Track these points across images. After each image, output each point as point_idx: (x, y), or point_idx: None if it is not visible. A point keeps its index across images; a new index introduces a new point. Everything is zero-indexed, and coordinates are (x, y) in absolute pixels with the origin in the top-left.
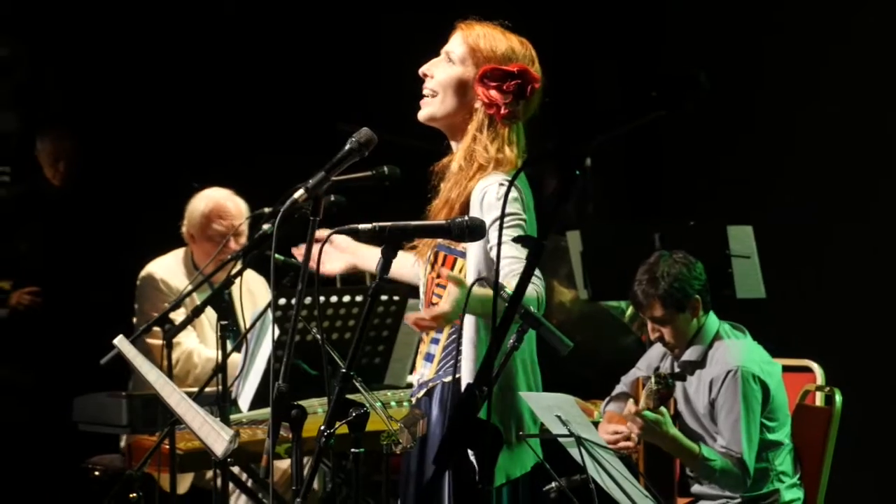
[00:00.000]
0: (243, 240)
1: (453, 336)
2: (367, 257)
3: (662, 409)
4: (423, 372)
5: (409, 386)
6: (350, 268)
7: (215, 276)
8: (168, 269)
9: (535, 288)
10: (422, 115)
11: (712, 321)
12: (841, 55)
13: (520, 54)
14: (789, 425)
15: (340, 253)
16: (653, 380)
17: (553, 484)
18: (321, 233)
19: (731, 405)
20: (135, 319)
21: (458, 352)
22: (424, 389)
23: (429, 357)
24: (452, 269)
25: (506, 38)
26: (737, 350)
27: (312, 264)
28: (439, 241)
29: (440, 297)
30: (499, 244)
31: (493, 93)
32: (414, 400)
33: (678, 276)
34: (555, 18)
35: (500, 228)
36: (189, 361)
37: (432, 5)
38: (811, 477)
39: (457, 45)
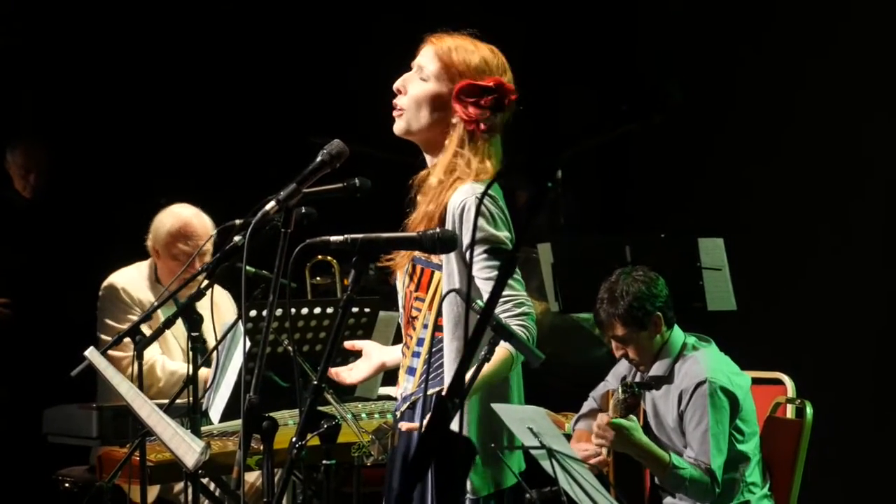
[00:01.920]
0: (207, 258)
1: (437, 348)
2: (392, 352)
3: (632, 416)
4: (406, 386)
5: (381, 398)
6: (379, 369)
7: (182, 291)
8: (130, 280)
9: (525, 331)
10: (397, 129)
11: (677, 335)
12: (815, 68)
13: (493, 65)
14: (758, 436)
15: (366, 359)
16: (619, 389)
17: (525, 496)
18: (349, 344)
19: (699, 417)
20: (98, 330)
21: (440, 365)
22: (408, 403)
23: (411, 371)
24: (430, 282)
25: (477, 49)
26: (704, 362)
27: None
28: (416, 253)
29: (419, 310)
30: (469, 271)
31: (472, 109)
32: (398, 414)
33: (637, 294)
34: (527, 22)
35: (472, 254)
36: (152, 375)
37: (407, 17)
38: (782, 489)
39: (428, 59)
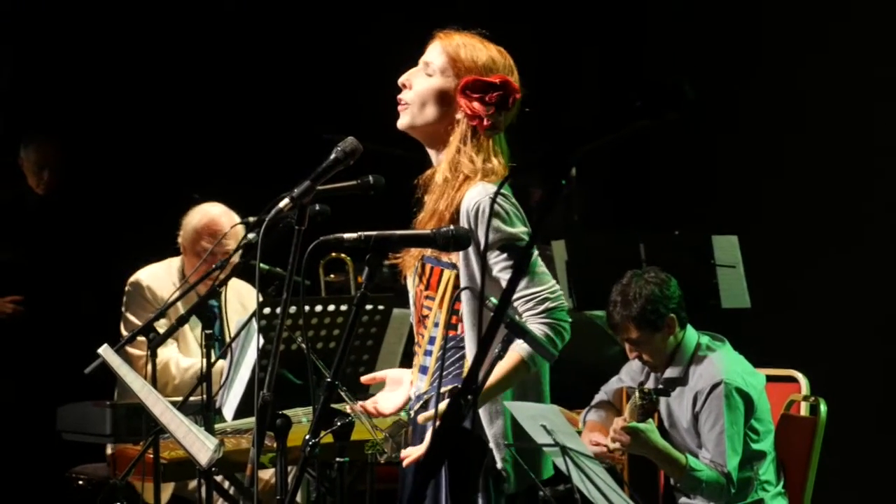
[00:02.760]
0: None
1: (449, 345)
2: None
3: (649, 420)
4: (419, 385)
5: None
6: (409, 399)
7: (200, 287)
8: (156, 277)
9: (548, 328)
10: (401, 124)
11: (691, 336)
12: (826, 64)
13: (500, 64)
14: (773, 434)
15: (396, 387)
16: (637, 395)
17: (539, 493)
18: (368, 378)
19: (715, 419)
20: (121, 325)
21: (452, 363)
22: (421, 402)
23: (423, 369)
24: (440, 280)
25: (485, 47)
26: (720, 363)
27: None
28: (426, 252)
29: (430, 308)
30: (483, 272)
31: (476, 104)
32: (412, 413)
33: (650, 296)
34: (535, 24)
35: (485, 256)
36: (166, 373)
37: (418, 15)
38: (796, 486)
39: (436, 55)
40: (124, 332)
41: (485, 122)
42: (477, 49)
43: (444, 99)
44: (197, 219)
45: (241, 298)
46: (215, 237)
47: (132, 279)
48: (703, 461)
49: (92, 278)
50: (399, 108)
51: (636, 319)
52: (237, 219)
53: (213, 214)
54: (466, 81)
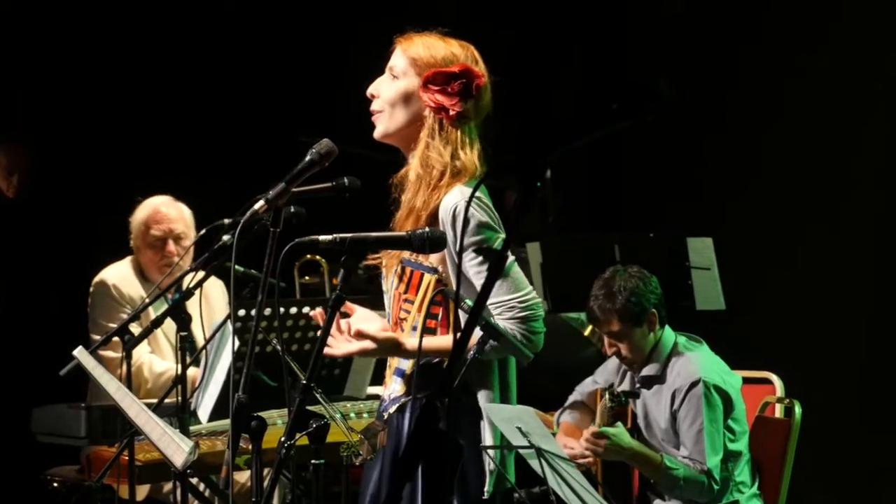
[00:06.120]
0: (185, 242)
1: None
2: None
3: (618, 423)
4: (394, 387)
5: (370, 397)
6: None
7: (165, 280)
8: (121, 276)
9: (511, 327)
10: (376, 134)
11: (668, 335)
12: (807, 68)
13: (461, 56)
14: (748, 435)
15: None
16: (606, 397)
17: (514, 495)
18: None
19: (693, 416)
20: (89, 327)
21: (430, 366)
22: (397, 405)
23: (399, 372)
24: (420, 284)
25: (445, 43)
26: (697, 362)
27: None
28: (404, 255)
29: (408, 311)
30: (459, 272)
31: (439, 96)
32: (386, 415)
33: (635, 290)
34: (516, 29)
35: (461, 259)
36: (139, 376)
37: (395, 18)
38: (771, 488)
39: (397, 59)
40: (92, 334)
41: (451, 113)
42: (436, 45)
43: (410, 99)
44: (142, 212)
45: (205, 291)
46: (161, 223)
47: (97, 279)
48: (680, 460)
49: (64, 280)
50: (372, 118)
51: (619, 312)
52: (183, 206)
53: (155, 203)
54: (427, 76)
